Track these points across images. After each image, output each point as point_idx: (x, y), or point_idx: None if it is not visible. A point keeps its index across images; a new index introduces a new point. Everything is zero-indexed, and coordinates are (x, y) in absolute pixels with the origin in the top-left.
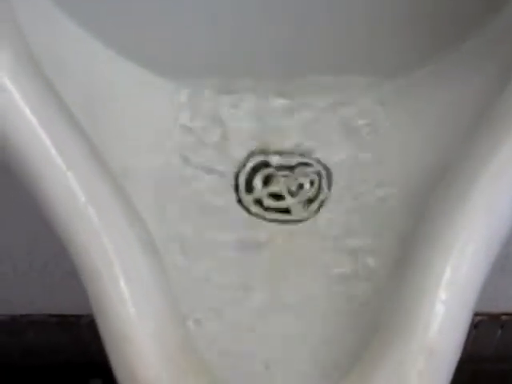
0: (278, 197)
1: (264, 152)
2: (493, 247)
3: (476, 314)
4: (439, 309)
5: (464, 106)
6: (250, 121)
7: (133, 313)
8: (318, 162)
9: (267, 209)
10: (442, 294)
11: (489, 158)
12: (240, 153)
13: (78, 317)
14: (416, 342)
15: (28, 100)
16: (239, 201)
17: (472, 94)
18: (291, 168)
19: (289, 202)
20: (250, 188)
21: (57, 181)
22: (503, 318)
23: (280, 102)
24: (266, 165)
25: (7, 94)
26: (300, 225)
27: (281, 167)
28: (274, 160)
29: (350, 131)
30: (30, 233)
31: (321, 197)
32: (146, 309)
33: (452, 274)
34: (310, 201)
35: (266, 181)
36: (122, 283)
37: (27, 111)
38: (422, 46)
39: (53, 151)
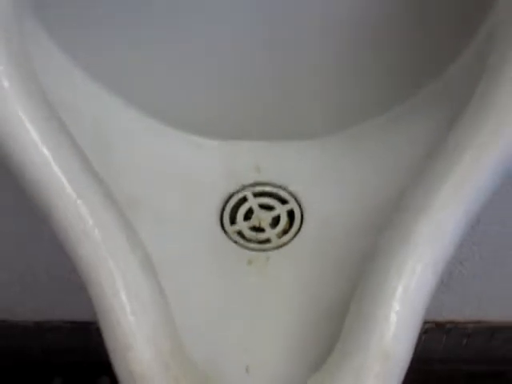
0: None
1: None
2: (438, 268)
3: (425, 322)
4: (393, 318)
5: (416, 148)
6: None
7: (133, 323)
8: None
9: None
10: (396, 306)
11: (433, 195)
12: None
13: (89, 323)
14: (373, 348)
15: (44, 139)
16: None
17: (424, 136)
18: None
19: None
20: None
21: (68, 208)
22: (448, 325)
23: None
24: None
25: (27, 134)
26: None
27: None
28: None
29: (324, 174)
30: (52, 248)
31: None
32: (145, 320)
33: (403, 289)
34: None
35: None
36: (124, 298)
37: (44, 150)
38: (381, 95)
39: (65, 183)
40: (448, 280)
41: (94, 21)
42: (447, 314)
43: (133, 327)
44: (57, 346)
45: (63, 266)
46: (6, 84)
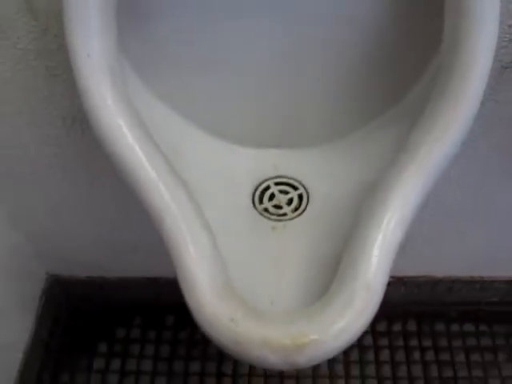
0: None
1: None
2: (405, 226)
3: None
4: (373, 261)
5: (385, 149)
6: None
7: (198, 267)
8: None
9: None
10: (376, 252)
11: (400, 176)
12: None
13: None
14: (360, 282)
15: (136, 141)
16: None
17: (391, 142)
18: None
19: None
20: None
21: (152, 188)
22: (404, 279)
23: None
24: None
25: (124, 137)
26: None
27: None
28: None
29: (323, 169)
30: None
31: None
32: (205, 265)
33: (381, 240)
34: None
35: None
36: (192, 251)
37: (137, 148)
38: (361, 115)
39: (150, 170)
40: (406, 245)
41: (169, 64)
42: (404, 271)
43: (197, 270)
44: (136, 294)
45: (144, 242)
46: (109, 102)
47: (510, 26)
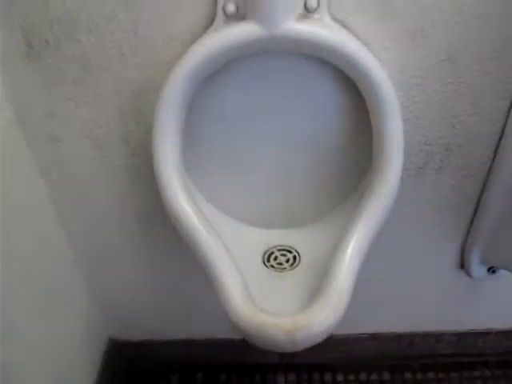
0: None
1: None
2: (360, 259)
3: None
4: (341, 280)
5: (343, 224)
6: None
7: (234, 290)
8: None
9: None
10: (342, 275)
11: (350, 238)
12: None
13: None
14: (333, 291)
15: (194, 213)
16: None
17: (347, 218)
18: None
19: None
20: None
21: (212, 253)
22: (377, 336)
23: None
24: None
25: (186, 214)
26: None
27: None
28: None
29: (309, 240)
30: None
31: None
32: (238, 290)
33: (345, 268)
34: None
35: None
36: (230, 282)
37: (196, 223)
38: (330, 204)
39: (209, 239)
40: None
41: (209, 172)
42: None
43: (233, 291)
44: (176, 356)
45: (186, 316)
46: (179, 192)
47: (425, 143)
